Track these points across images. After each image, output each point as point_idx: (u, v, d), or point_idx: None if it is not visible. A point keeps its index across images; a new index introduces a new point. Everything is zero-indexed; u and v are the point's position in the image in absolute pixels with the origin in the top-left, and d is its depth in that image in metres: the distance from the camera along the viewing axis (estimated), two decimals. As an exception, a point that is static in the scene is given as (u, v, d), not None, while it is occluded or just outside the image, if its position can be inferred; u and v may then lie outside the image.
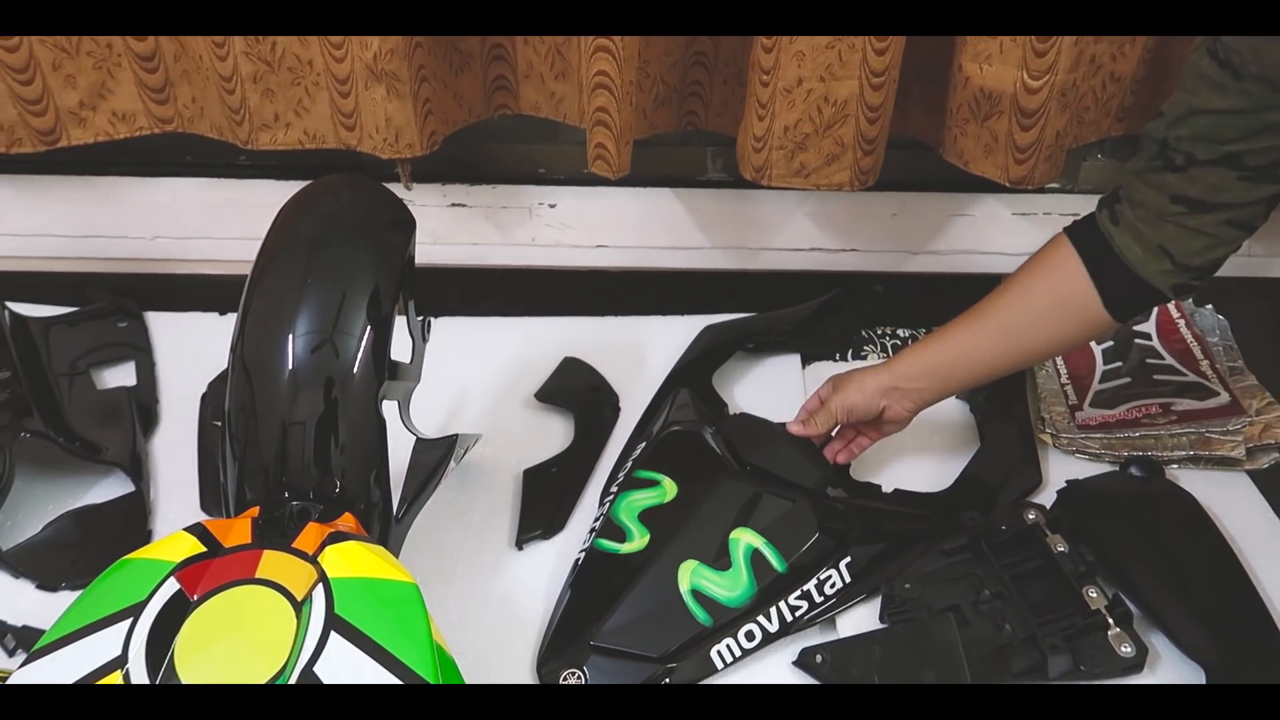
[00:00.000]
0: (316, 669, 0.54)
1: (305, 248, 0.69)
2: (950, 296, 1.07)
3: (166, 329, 1.02)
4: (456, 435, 0.76)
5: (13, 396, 0.84)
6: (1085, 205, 1.00)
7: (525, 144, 1.02)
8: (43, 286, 1.03)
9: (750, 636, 0.69)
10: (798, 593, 0.70)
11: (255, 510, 0.64)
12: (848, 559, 0.72)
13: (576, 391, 0.93)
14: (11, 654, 0.71)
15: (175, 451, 0.89)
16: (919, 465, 0.84)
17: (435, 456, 0.74)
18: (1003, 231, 1.00)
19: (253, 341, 0.68)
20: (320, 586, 0.57)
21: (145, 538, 0.80)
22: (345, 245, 0.69)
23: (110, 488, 0.84)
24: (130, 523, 0.81)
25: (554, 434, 0.90)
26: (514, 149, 1.02)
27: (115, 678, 0.54)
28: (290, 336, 0.66)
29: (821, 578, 0.71)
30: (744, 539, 0.72)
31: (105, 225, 1.02)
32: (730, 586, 0.70)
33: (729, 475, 0.75)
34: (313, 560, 0.59)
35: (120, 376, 0.96)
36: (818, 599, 0.71)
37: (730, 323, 0.97)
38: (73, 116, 0.90)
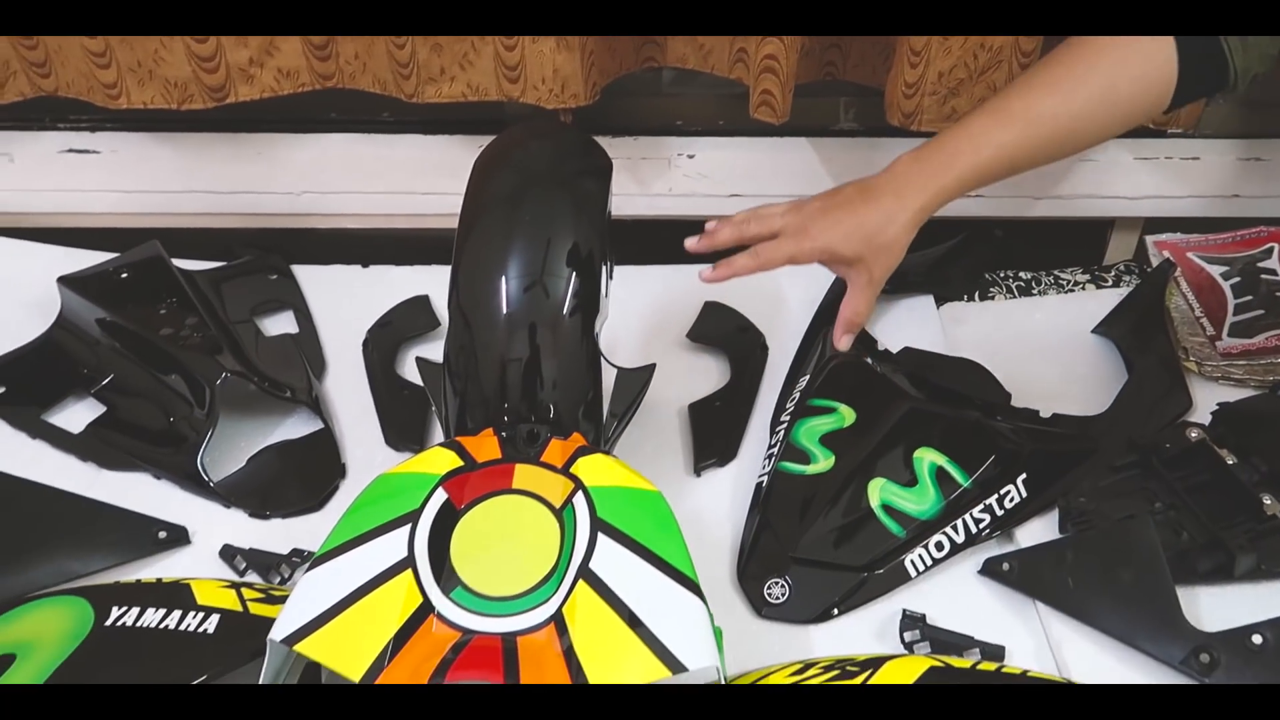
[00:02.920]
0: (592, 565, 0.58)
1: (506, 203, 0.73)
2: (1070, 241, 1.12)
3: (313, 282, 1.06)
4: (654, 364, 0.80)
5: (205, 340, 0.88)
6: (1207, 149, 1.05)
7: (662, 97, 1.06)
8: (186, 243, 1.07)
9: (940, 547, 0.74)
10: (981, 506, 0.75)
11: (489, 432, 0.68)
12: (1024, 475, 0.76)
13: (726, 332, 0.97)
14: (242, 574, 0.76)
15: (345, 394, 0.93)
16: (1068, 395, 0.88)
17: (637, 384, 0.78)
18: (1124, 175, 1.04)
19: (467, 289, 0.72)
20: (580, 494, 0.62)
21: (340, 470, 0.84)
22: (544, 198, 0.73)
23: (296, 426, 0.89)
24: (325, 456, 0.85)
25: (709, 372, 0.94)
26: (650, 102, 1.06)
27: (406, 576, 0.58)
28: (503, 281, 0.70)
29: (1001, 492, 0.76)
30: (928, 457, 0.76)
31: (255, 181, 1.06)
32: (919, 501, 0.75)
33: (907, 399, 0.79)
34: (564, 472, 0.64)
35: (281, 326, 1.00)
36: (999, 512, 0.75)
37: (867, 266, 1.01)
38: (241, 73, 0.94)
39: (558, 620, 0.57)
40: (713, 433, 0.86)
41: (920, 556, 0.73)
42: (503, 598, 0.58)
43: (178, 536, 0.78)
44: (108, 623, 0.64)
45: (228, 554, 0.76)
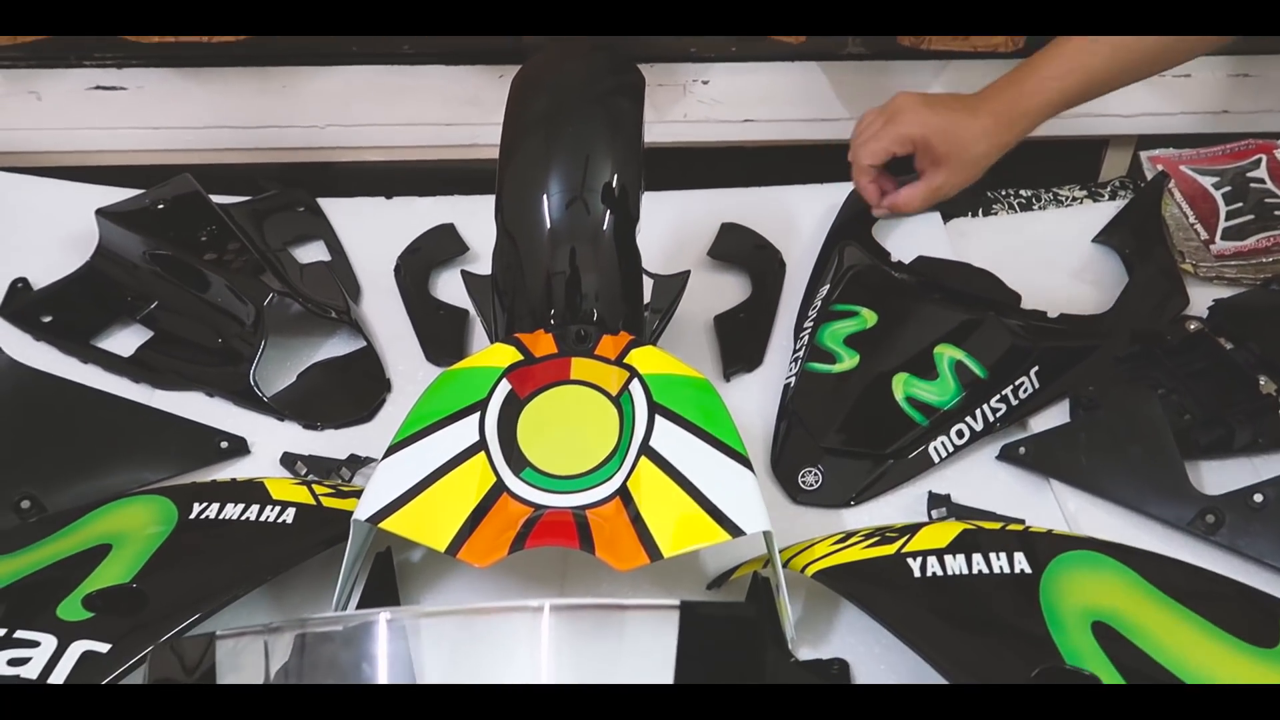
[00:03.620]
0: (652, 444, 0.63)
1: (544, 124, 0.76)
2: (1068, 159, 1.17)
3: (339, 214, 1.08)
4: (689, 270, 0.84)
5: (248, 264, 0.91)
6: (1198, 67, 1.09)
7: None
8: (213, 177, 1.10)
9: (960, 434, 0.79)
10: (997, 396, 0.80)
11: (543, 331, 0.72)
12: (1036, 368, 0.82)
13: (744, 250, 1.01)
14: (304, 478, 0.80)
15: (380, 316, 0.96)
16: (1072, 299, 0.93)
17: (674, 290, 0.82)
18: (1119, 94, 1.06)
19: (512, 209, 0.76)
20: (636, 381, 0.66)
21: (386, 384, 0.88)
22: (580, 117, 0.77)
23: (339, 345, 0.92)
24: (370, 371, 0.89)
25: (731, 287, 0.98)
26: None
27: (480, 459, 0.63)
28: (545, 199, 0.74)
29: (1016, 383, 0.81)
30: (947, 353, 0.81)
31: (279, 115, 1.08)
32: (939, 392, 0.80)
33: (926, 300, 0.85)
34: (619, 363, 0.68)
35: (313, 256, 1.03)
36: (1014, 402, 0.81)
37: (877, 184, 1.06)
38: (270, 4, 0.96)
39: (623, 493, 0.61)
40: (739, 341, 0.91)
41: (943, 443, 0.78)
42: (570, 476, 0.63)
43: (238, 447, 0.81)
44: (191, 516, 0.68)
45: (288, 460, 0.80)
